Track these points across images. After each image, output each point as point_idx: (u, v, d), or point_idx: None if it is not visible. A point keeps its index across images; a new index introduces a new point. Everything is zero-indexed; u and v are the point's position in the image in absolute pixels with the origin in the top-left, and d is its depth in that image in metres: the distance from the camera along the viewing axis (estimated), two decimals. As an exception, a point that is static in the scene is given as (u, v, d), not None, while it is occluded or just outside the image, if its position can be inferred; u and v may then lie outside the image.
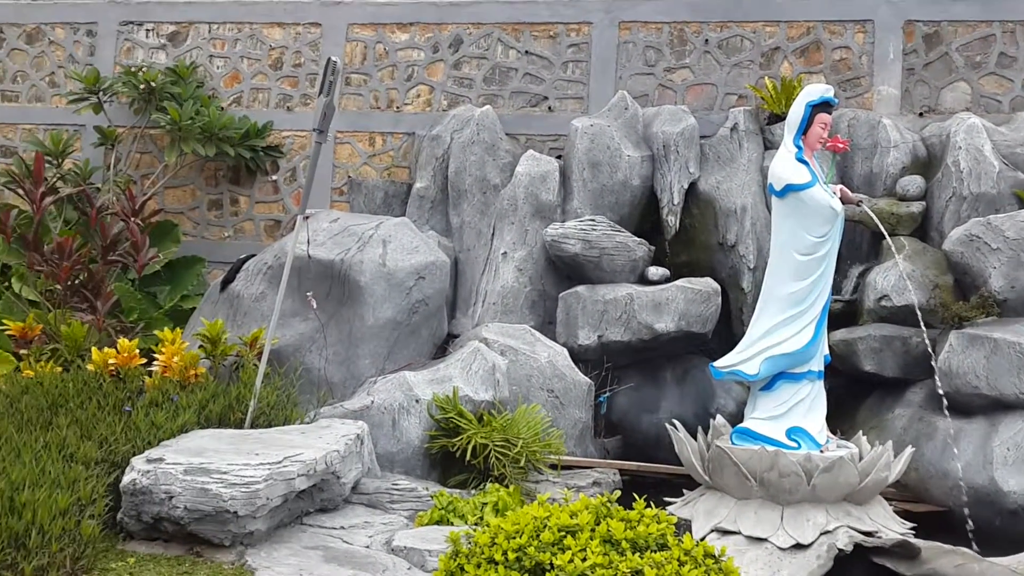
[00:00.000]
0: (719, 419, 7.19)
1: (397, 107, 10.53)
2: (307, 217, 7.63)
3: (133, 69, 10.61)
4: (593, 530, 3.54)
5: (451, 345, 8.31)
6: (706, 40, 9.91)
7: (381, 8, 10.65)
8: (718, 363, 6.81)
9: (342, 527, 5.62)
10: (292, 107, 10.77)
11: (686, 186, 8.97)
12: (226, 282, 8.26)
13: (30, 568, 4.33)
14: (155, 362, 6.88)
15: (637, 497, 3.84)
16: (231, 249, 10.41)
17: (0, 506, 4.49)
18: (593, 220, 8.57)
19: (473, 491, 6.46)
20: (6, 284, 9.44)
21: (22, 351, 7.64)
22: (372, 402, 6.98)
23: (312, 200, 9.00)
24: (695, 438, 6.86)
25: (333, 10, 10.75)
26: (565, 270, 8.69)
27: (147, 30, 11.22)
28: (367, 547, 5.36)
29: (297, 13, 10.83)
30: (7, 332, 7.80)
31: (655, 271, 8.58)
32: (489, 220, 9.09)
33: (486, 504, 5.96)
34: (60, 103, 11.14)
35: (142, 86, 10.33)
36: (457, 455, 6.74)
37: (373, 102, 10.58)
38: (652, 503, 3.85)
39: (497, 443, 6.61)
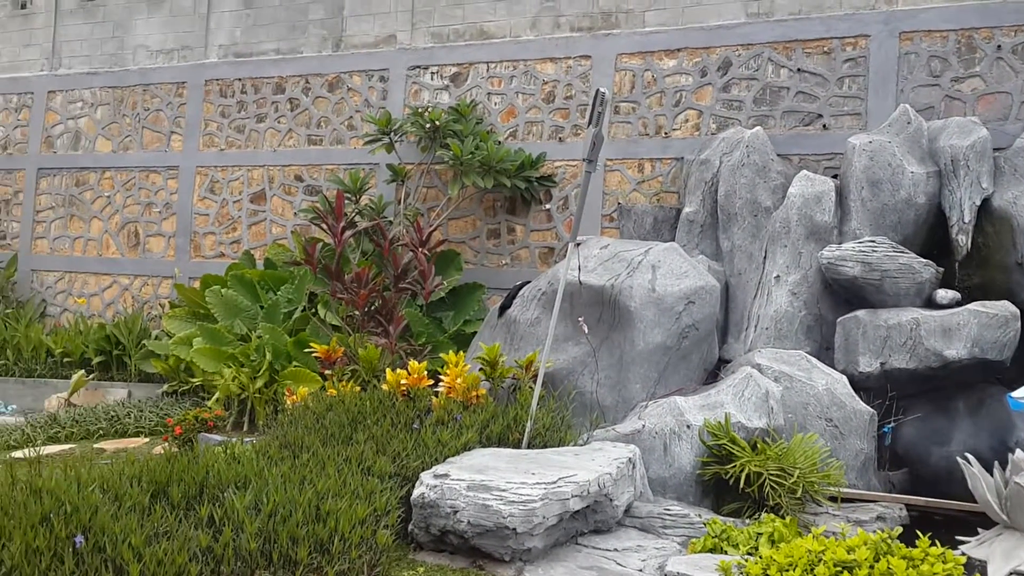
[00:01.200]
0: (1019, 453, 6.63)
1: (665, 133, 10.61)
2: (578, 244, 7.88)
3: (420, 110, 11.42)
4: (872, 567, 3.43)
5: (722, 371, 8.23)
6: (998, 46, 9.23)
7: (649, 36, 10.80)
8: (1016, 393, 6.30)
9: (615, 549, 5.73)
10: (564, 138, 11.13)
11: (978, 202, 8.38)
12: (503, 308, 8.66)
13: (332, 572, 4.77)
14: (441, 383, 7.35)
15: (922, 534, 3.66)
16: (508, 276, 10.92)
17: (307, 514, 4.98)
18: (873, 241, 8.20)
19: (747, 520, 6.36)
20: (313, 310, 10.42)
21: (327, 371, 8.42)
22: (643, 426, 7.06)
23: (583, 227, 9.28)
24: (991, 473, 6.37)
25: (603, 42, 11.02)
26: (843, 294, 8.37)
27: (432, 73, 12.03)
28: (640, 571, 5.43)
29: (568, 48, 11.21)
30: (314, 354, 8.62)
31: (944, 294, 8.06)
32: (760, 243, 8.94)
33: (761, 534, 5.85)
34: (357, 144, 12.18)
35: (428, 125, 11.08)
36: (730, 482, 6.67)
37: (642, 129, 10.73)
38: (939, 542, 3.65)
39: (772, 472, 6.48)
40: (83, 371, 11.64)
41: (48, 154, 14.21)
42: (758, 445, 6.81)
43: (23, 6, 14.78)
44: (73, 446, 8.95)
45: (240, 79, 13.18)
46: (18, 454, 8.47)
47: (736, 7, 10.37)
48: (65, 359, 12.42)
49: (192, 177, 13.25)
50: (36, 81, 14.45)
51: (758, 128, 9.49)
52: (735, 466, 6.64)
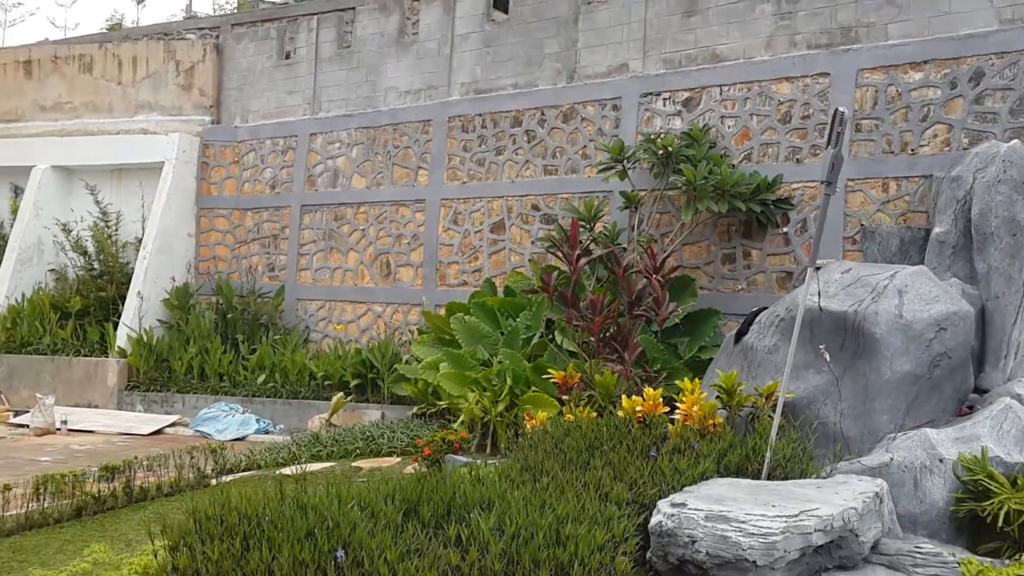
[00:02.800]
0: None
1: (912, 149, 10.12)
2: (818, 268, 7.67)
3: (652, 136, 11.52)
4: None
5: (978, 401, 7.72)
6: None
7: (892, 49, 10.36)
8: None
9: (861, 586, 5.53)
10: (801, 159, 10.86)
11: None
12: (740, 334, 8.55)
13: (574, 594, 4.92)
14: (676, 410, 7.36)
15: None
16: (744, 301, 10.76)
17: (548, 537, 5.15)
18: None
19: (1007, 561, 5.94)
20: (550, 336, 10.72)
21: (564, 397, 8.64)
22: (891, 459, 6.76)
23: (822, 250, 9.01)
24: None
25: (842, 58, 10.69)
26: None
27: (664, 99, 12.10)
28: (888, 610, 5.22)
29: (805, 66, 10.95)
30: (552, 380, 8.88)
31: None
32: (1020, 264, 8.34)
33: (1023, 577, 5.46)
34: (591, 173, 12.43)
35: (660, 151, 11.15)
36: (987, 521, 6.26)
37: (885, 146, 10.29)
38: None
39: (1036, 511, 6.02)
40: (342, 393, 12.53)
41: (310, 192, 15.45)
42: (1018, 481, 6.35)
43: (287, 56, 16.19)
44: (333, 464, 9.67)
45: (480, 114, 13.81)
46: (286, 471, 9.27)
47: (988, 14, 9.76)
48: (326, 382, 13.42)
49: (437, 209, 13.99)
50: (299, 125, 15.77)
51: (1015, 141, 8.87)
52: (993, 503, 6.22)
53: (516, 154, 13.41)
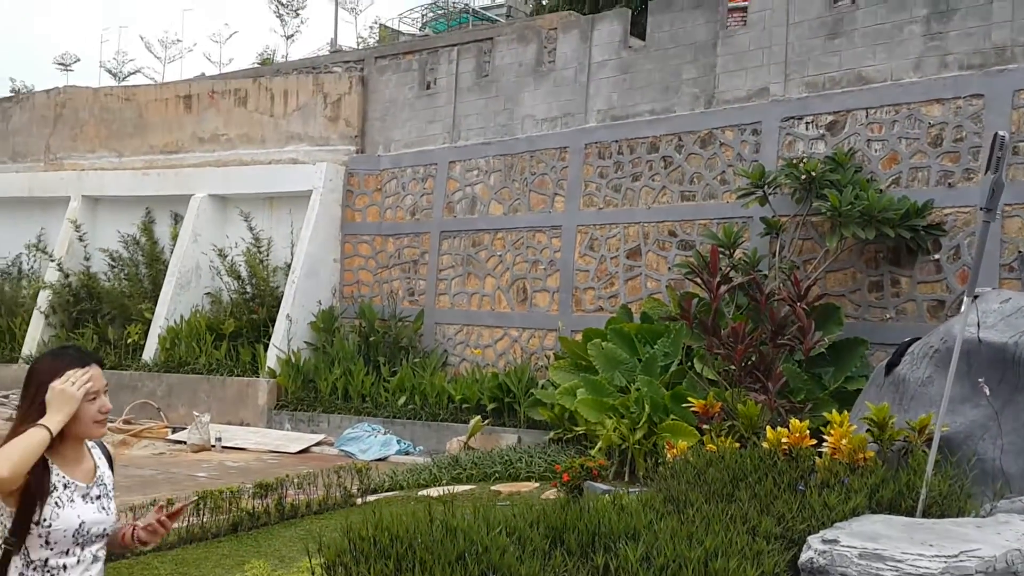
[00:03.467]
0: None
1: (1076, 172, 9.62)
2: (975, 298, 7.38)
3: (794, 161, 11.32)
4: None
5: None
6: None
7: (1053, 68, 9.90)
8: None
9: (1027, 634, 5.26)
10: (953, 183, 10.47)
11: None
12: (891, 365, 8.28)
13: (723, 628, 4.86)
14: (824, 443, 7.18)
15: None
16: (893, 331, 10.41)
17: (696, 571, 5.11)
18: None
19: None
20: (689, 364, 10.63)
21: (704, 426, 8.55)
22: (1058, 500, 6.41)
23: (979, 279, 8.63)
24: None
25: (997, 79, 10.27)
26: None
27: (806, 123, 11.88)
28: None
29: (957, 87, 10.57)
30: (692, 408, 8.80)
31: None
32: None
33: None
34: (730, 198, 12.30)
35: (803, 176, 10.94)
36: None
37: (1047, 169, 9.81)
38: None
39: None
40: (479, 417, 12.73)
41: (449, 218, 15.81)
42: None
43: (428, 87, 16.65)
44: (473, 487, 9.82)
45: (616, 141, 13.86)
46: (428, 492, 9.48)
47: None
48: (463, 405, 13.65)
49: (573, 235, 14.09)
50: (439, 153, 16.17)
51: None
52: None
53: (653, 180, 13.39)
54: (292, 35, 32.63)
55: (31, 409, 2.89)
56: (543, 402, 12.19)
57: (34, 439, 2.76)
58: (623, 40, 14.16)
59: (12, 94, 28.90)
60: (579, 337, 12.53)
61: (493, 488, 9.69)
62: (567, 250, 14.15)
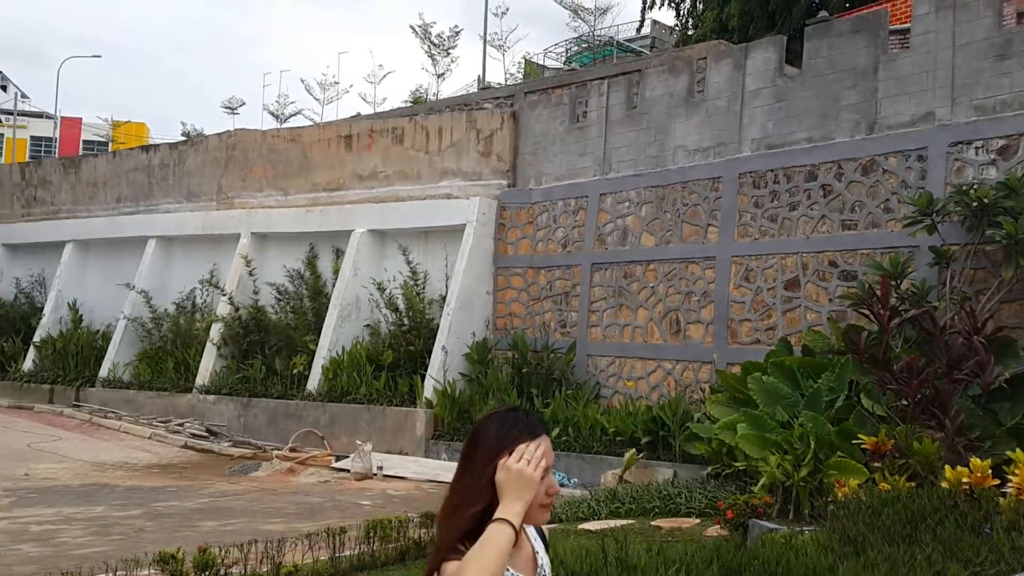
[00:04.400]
0: None
1: None
2: None
3: (964, 187, 10.88)
4: None
5: None
6: None
7: None
8: None
9: None
10: None
11: None
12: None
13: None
14: (1008, 483, 6.85)
15: None
16: (1079, 365, 9.82)
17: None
18: None
19: None
20: (856, 399, 10.31)
21: (874, 464, 8.28)
22: None
23: None
24: None
25: None
26: None
27: (976, 148, 11.41)
28: None
29: None
30: (861, 445, 8.53)
31: None
32: None
33: None
34: (895, 227, 11.90)
35: (974, 203, 10.51)
36: None
37: None
38: None
39: None
40: (634, 450, 12.67)
41: (600, 250, 15.88)
42: None
43: (577, 120, 16.83)
44: (632, 522, 9.77)
45: (772, 170, 13.65)
46: (586, 525, 9.50)
47: None
48: (617, 437, 13.62)
49: (728, 266, 13.92)
50: (590, 185, 16.29)
51: None
52: None
53: (811, 209, 13.10)
54: (443, 73, 33.53)
55: (481, 488, 2.40)
56: (700, 436, 12.03)
57: (502, 541, 2.29)
58: (778, 68, 13.97)
59: (186, 138, 30.78)
60: (735, 370, 12.33)
61: (653, 523, 9.62)
62: (721, 281, 13.98)
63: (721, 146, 14.47)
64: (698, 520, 9.72)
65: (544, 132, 17.32)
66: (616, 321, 15.41)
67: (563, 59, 33.54)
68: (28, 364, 21.66)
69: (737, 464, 10.91)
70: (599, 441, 13.89)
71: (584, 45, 33.60)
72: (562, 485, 13.22)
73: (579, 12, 34.03)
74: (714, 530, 9.09)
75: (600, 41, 33.12)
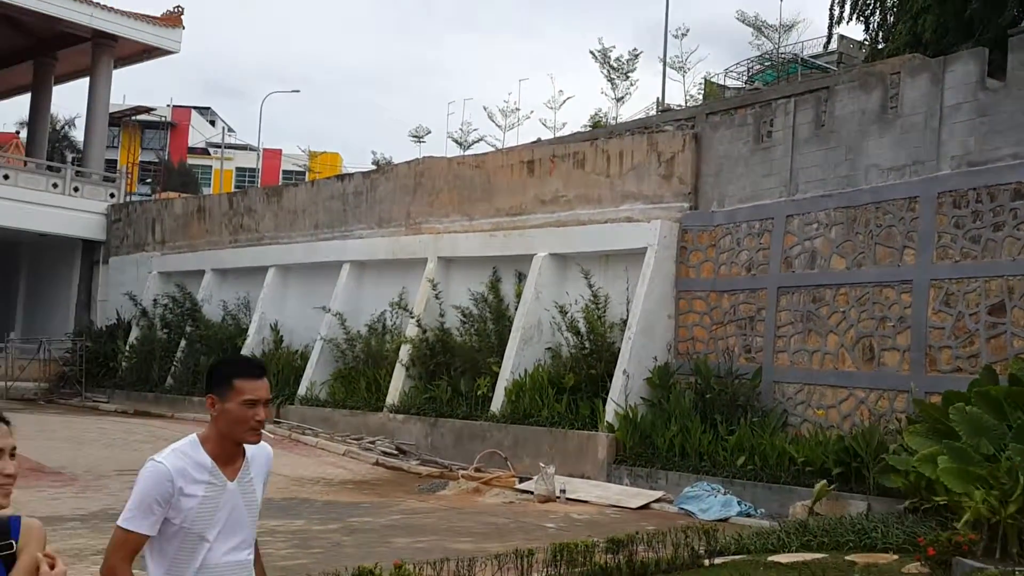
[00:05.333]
0: None
1: None
2: None
3: None
4: None
5: None
6: None
7: None
8: None
9: None
10: None
11: None
12: None
13: None
14: None
15: None
16: None
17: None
18: None
19: None
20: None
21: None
22: None
23: None
24: None
25: None
26: None
27: None
28: None
29: None
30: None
31: None
32: None
33: None
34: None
35: None
36: None
37: None
38: None
39: None
40: (824, 481, 12.25)
41: (787, 273, 15.47)
42: None
43: (762, 140, 16.50)
44: (824, 555, 9.45)
45: (974, 188, 12.95)
46: (776, 558, 9.26)
47: None
48: (806, 468, 13.19)
49: (926, 290, 13.27)
50: (775, 207, 15.92)
51: None
52: None
53: (1017, 229, 12.34)
54: (622, 97, 33.65)
55: None
56: (896, 468, 11.50)
57: None
58: (979, 81, 13.25)
59: (377, 166, 32.20)
60: (934, 399, 11.72)
61: (847, 558, 9.27)
62: (919, 306, 13.33)
63: (918, 164, 13.83)
64: (896, 556, 9.29)
65: (727, 153, 17.07)
66: (804, 347, 14.95)
67: (744, 78, 32.94)
68: (234, 382, 23.10)
69: (937, 498, 10.36)
70: (786, 471, 13.50)
71: (767, 63, 32.90)
72: (748, 515, 12.94)
73: (762, 29, 33.40)
74: (914, 567, 8.68)
75: (784, 58, 32.34)
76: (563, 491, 13.85)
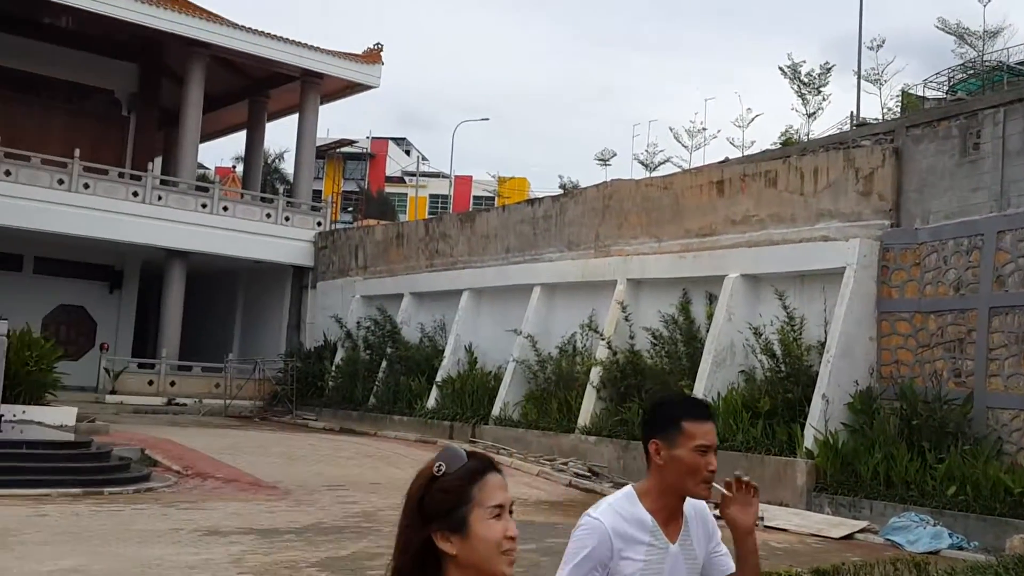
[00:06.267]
0: None
1: None
2: None
3: None
4: None
5: None
6: None
7: None
8: None
9: None
10: None
11: None
12: None
13: None
14: None
15: None
16: None
17: None
18: None
19: None
20: None
21: None
22: None
23: None
24: None
25: None
26: None
27: None
28: None
29: None
30: None
31: None
32: None
33: None
34: None
35: None
36: None
37: None
38: None
39: None
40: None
41: (999, 292, 14.60)
42: None
43: (968, 152, 15.68)
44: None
45: None
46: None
47: None
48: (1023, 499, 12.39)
49: None
50: (984, 223, 15.07)
51: None
52: None
53: None
54: (813, 113, 32.64)
55: None
56: None
57: None
58: None
59: (564, 190, 32.67)
60: None
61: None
62: None
63: None
64: None
65: (930, 167, 16.32)
66: (1020, 371, 14.05)
67: (945, 88, 31.25)
68: (431, 402, 24.01)
69: None
70: (1002, 502, 12.74)
71: (970, 72, 31.10)
72: (960, 548, 12.28)
73: (965, 37, 31.63)
74: None
75: (989, 66, 30.49)
76: (761, 518, 13.56)
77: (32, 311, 29.05)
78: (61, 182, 28.28)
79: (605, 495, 13.92)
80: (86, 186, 28.71)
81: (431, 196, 63.33)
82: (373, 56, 34.73)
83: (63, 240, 29.37)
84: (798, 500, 14.82)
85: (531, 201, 26.79)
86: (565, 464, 18.27)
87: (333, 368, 28.67)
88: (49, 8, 30.48)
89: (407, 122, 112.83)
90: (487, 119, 75.05)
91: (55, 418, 18.92)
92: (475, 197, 62.33)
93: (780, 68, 33.79)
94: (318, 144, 39.42)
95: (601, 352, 19.86)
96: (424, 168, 62.36)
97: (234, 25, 32.24)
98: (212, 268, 33.40)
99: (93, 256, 32.71)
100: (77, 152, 28.82)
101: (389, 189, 63.87)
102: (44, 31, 32.79)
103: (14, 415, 18.10)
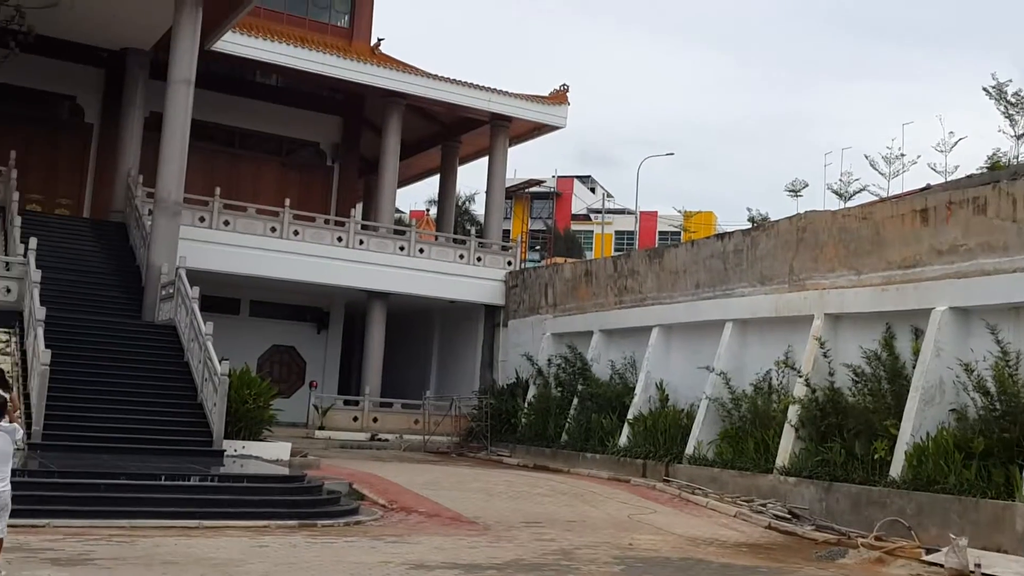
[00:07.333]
0: None
1: None
2: None
3: None
4: None
5: None
6: None
7: None
8: None
9: None
10: None
11: None
12: None
13: None
14: None
15: None
16: None
17: None
18: None
19: None
20: None
21: None
22: None
23: None
24: None
25: None
26: None
27: None
28: None
29: None
30: None
31: None
32: None
33: None
34: None
35: None
36: None
37: None
38: None
39: None
40: None
41: None
42: None
43: None
44: None
45: None
46: None
47: None
48: None
49: None
50: None
51: None
52: None
53: None
54: (1023, 134, 30.66)
55: None
56: None
57: None
58: None
59: (754, 223, 32.10)
60: None
61: None
62: None
63: None
64: None
65: None
66: None
67: None
68: (623, 440, 23.99)
69: None
70: None
71: None
72: None
73: None
74: None
75: None
76: (978, 565, 12.77)
77: (248, 351, 31.20)
78: (274, 230, 30.29)
79: (806, 538, 13.65)
80: (296, 233, 30.62)
81: (616, 233, 63.51)
82: (559, 97, 35.45)
83: (276, 284, 31.44)
84: (1017, 546, 13.84)
85: (721, 235, 26.45)
86: (764, 505, 17.81)
87: (525, 405, 29.16)
88: (261, 68, 33.01)
89: (586, 159, 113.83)
90: (672, 153, 74.74)
91: (271, 453, 20.19)
92: (660, 232, 62.04)
93: (985, 89, 32.01)
94: (507, 185, 40.48)
95: (799, 390, 19.30)
96: (609, 205, 62.67)
97: (426, 74, 33.80)
98: (409, 308, 34.83)
99: (302, 299, 34.86)
100: (287, 201, 30.85)
101: (575, 227, 64.56)
102: (256, 90, 35.45)
103: (235, 450, 19.49)
